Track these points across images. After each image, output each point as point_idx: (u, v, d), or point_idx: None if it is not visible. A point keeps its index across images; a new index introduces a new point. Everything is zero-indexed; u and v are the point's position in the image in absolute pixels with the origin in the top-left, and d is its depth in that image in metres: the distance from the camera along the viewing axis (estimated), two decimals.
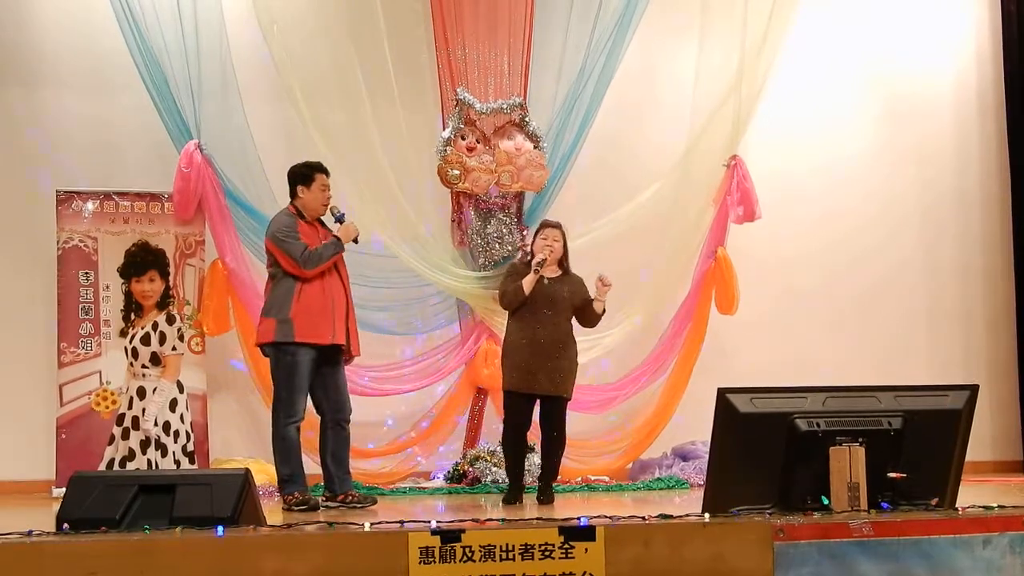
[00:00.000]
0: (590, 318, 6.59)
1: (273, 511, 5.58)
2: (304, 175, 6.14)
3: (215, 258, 7.88)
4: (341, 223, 6.15)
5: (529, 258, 6.61)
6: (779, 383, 4.83)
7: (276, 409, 5.96)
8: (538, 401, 6.45)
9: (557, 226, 6.63)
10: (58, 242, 7.73)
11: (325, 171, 6.19)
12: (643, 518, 3.95)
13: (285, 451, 5.91)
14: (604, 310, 6.57)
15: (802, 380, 5.46)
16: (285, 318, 5.88)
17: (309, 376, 5.92)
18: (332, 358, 6.04)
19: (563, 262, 6.57)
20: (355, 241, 6.10)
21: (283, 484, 5.94)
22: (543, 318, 6.37)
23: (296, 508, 5.75)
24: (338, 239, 6.01)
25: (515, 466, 6.52)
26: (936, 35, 9.51)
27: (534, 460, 7.32)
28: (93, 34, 8.19)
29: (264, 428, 8.00)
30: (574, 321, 6.61)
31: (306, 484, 5.98)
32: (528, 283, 6.35)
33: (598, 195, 8.60)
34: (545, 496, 6.44)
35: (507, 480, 6.73)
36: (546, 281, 6.44)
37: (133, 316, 7.75)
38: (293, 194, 6.18)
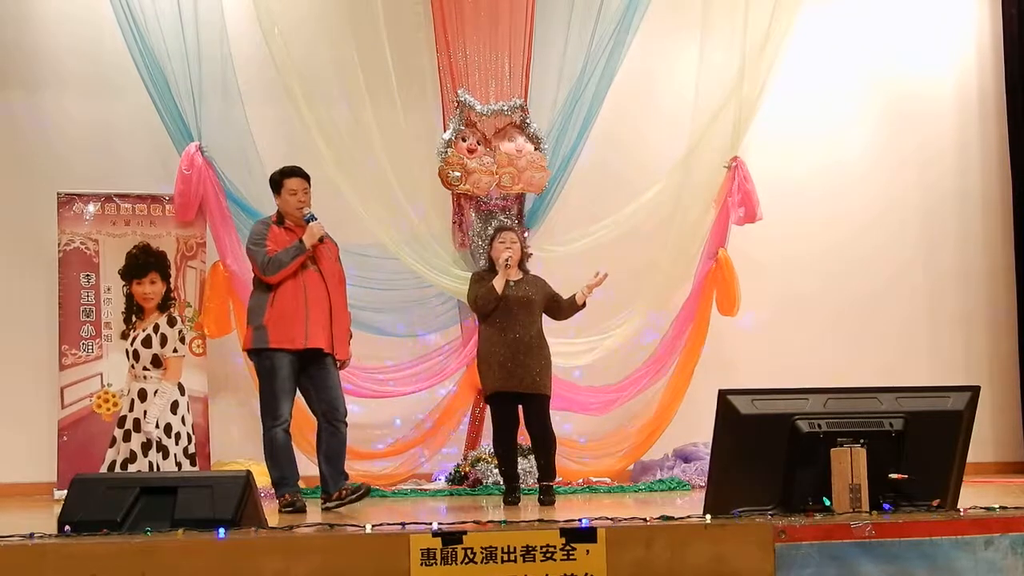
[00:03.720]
0: (563, 310, 6.67)
1: (274, 513, 5.59)
2: (274, 181, 6.23)
3: (216, 260, 7.89)
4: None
5: (488, 264, 6.68)
6: (780, 384, 4.82)
7: (263, 414, 6.02)
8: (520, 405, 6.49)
9: (512, 229, 6.80)
10: (59, 244, 7.73)
11: (298, 174, 6.18)
12: (644, 520, 3.95)
13: (272, 454, 5.97)
14: (584, 304, 6.63)
15: (803, 381, 5.45)
16: (259, 324, 5.98)
17: (291, 379, 5.97)
18: (317, 360, 6.06)
19: (522, 264, 6.69)
20: (320, 240, 6.07)
21: (274, 487, 6.02)
22: (516, 319, 6.43)
23: (283, 510, 5.81)
24: (301, 242, 6.01)
25: (511, 466, 6.56)
26: (937, 37, 9.52)
27: (534, 462, 7.32)
28: (94, 36, 8.20)
29: None
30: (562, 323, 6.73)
31: (296, 486, 6.01)
32: (499, 283, 6.42)
33: (599, 197, 8.60)
34: (546, 497, 6.44)
35: (505, 481, 6.72)
36: (512, 284, 6.51)
37: (134, 318, 7.75)
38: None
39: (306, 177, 6.21)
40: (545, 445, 6.50)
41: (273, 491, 6.33)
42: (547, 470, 6.52)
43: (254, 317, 6.03)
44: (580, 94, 8.37)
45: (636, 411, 8.52)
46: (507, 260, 6.45)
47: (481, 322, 6.60)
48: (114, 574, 3.51)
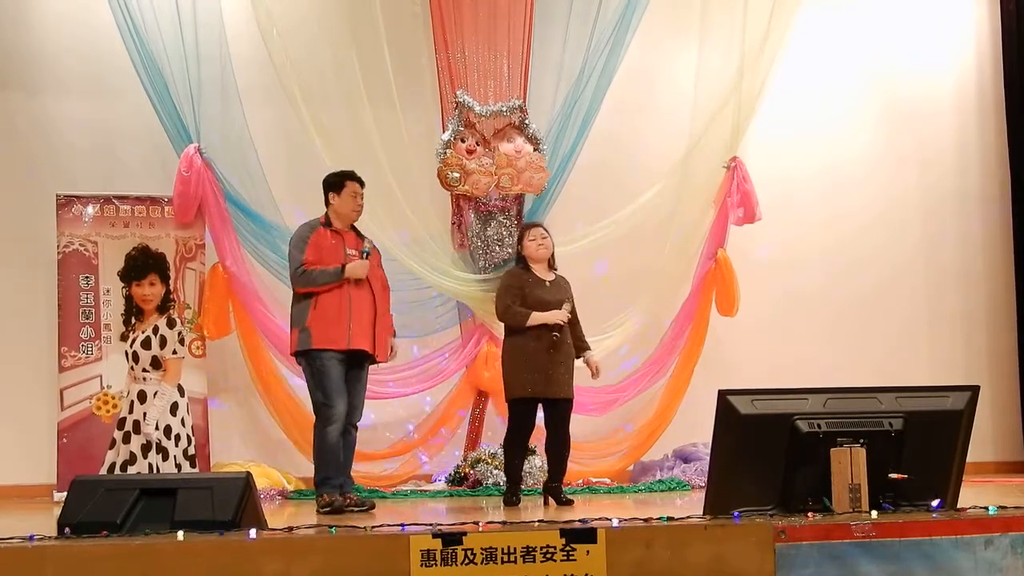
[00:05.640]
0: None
1: (275, 514, 5.59)
2: (335, 182, 6.25)
3: (215, 261, 7.89)
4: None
5: (519, 261, 6.53)
6: (780, 384, 4.82)
7: (316, 414, 6.05)
8: (540, 405, 6.41)
9: (541, 225, 6.70)
10: (58, 246, 7.73)
11: (358, 180, 6.27)
12: (644, 520, 3.95)
13: (319, 453, 5.99)
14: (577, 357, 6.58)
15: (803, 381, 5.45)
16: (304, 327, 6.02)
17: (342, 378, 6.00)
18: (358, 363, 6.10)
19: (551, 262, 6.55)
20: (357, 282, 6.08)
21: (316, 486, 6.06)
22: (555, 324, 6.29)
23: (321, 510, 5.83)
24: (341, 269, 6.00)
25: (519, 468, 6.52)
26: (936, 36, 9.52)
27: (536, 463, 7.29)
28: (93, 38, 8.19)
29: (264, 431, 8.07)
30: None
31: (337, 487, 5.98)
32: (539, 319, 6.23)
33: (598, 197, 8.60)
34: (563, 496, 6.38)
35: (509, 482, 6.69)
36: (547, 284, 6.43)
37: (134, 320, 7.75)
38: (327, 202, 6.25)
39: (363, 184, 6.29)
40: (565, 448, 6.45)
41: (273, 492, 6.37)
42: (563, 471, 6.48)
43: (297, 321, 6.07)
44: (579, 94, 8.37)
45: (636, 411, 8.53)
46: (564, 321, 6.28)
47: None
48: None
